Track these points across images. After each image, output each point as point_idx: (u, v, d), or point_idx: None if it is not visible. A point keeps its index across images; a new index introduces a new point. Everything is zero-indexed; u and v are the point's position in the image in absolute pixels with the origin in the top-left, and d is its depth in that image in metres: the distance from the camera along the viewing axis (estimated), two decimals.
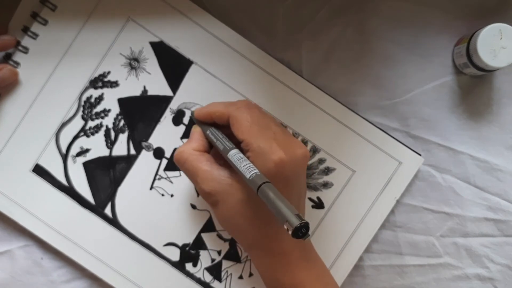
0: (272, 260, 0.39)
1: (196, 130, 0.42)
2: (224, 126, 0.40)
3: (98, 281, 0.46)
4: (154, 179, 0.46)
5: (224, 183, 0.38)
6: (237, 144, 0.39)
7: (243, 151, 0.38)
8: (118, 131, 0.46)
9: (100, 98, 0.45)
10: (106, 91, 0.45)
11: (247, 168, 0.35)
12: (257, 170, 0.35)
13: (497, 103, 0.47)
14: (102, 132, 0.45)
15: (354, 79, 0.47)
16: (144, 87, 0.45)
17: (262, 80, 0.45)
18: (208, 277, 0.46)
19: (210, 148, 0.41)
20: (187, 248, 0.46)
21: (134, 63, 0.45)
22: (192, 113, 0.43)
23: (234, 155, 0.37)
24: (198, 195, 0.46)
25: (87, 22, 0.45)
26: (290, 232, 0.31)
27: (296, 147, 0.39)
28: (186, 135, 0.45)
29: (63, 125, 0.45)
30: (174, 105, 0.45)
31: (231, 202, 0.38)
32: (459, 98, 0.47)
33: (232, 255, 0.46)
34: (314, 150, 0.46)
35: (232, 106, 0.40)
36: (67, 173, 0.46)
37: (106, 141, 0.46)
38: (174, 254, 0.46)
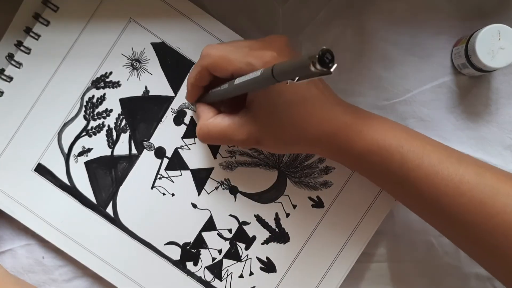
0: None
1: (198, 105, 0.43)
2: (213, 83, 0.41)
3: (100, 280, 0.47)
4: (155, 179, 0.46)
5: (250, 120, 0.39)
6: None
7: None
8: (119, 131, 0.46)
9: (102, 98, 0.46)
10: (108, 91, 0.46)
11: (253, 74, 0.35)
12: (261, 69, 0.34)
13: (495, 103, 0.47)
14: (104, 132, 0.46)
15: (353, 79, 0.47)
16: (146, 87, 0.46)
17: None
18: (208, 276, 0.46)
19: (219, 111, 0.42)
20: (188, 247, 0.46)
21: (135, 63, 0.45)
22: (189, 104, 0.44)
23: (237, 78, 0.37)
24: (199, 194, 0.46)
25: (89, 23, 0.45)
26: (316, 67, 0.27)
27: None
28: (187, 135, 0.46)
29: (65, 125, 0.46)
30: (175, 105, 0.46)
31: (269, 130, 0.38)
32: (458, 98, 0.47)
33: (233, 254, 0.46)
34: None
35: (197, 63, 0.41)
36: (69, 172, 0.46)
37: (108, 140, 0.46)
38: (175, 253, 0.46)
